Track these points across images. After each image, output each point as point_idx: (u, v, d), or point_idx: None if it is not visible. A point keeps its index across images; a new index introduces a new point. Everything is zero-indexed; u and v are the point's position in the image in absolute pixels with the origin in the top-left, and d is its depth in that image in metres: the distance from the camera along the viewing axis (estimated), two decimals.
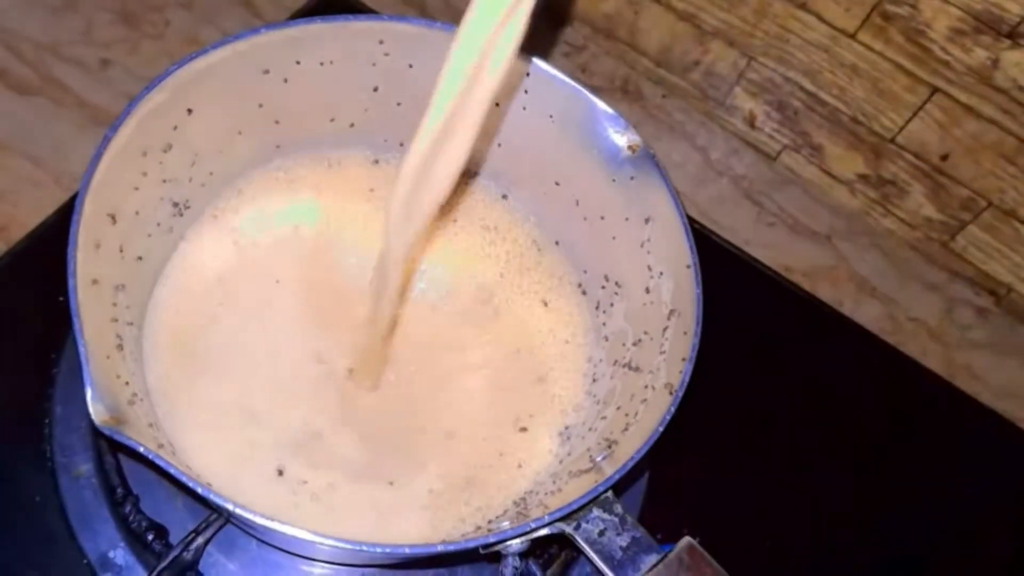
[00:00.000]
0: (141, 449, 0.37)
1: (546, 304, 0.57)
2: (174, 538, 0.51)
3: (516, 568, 0.43)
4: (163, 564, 0.48)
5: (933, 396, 0.70)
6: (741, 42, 0.73)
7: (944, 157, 0.70)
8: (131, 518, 0.51)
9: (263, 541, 0.52)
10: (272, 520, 0.37)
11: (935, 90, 0.66)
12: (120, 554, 0.50)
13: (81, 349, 0.38)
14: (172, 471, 0.37)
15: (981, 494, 0.66)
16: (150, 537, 0.50)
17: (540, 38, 0.78)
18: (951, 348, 0.74)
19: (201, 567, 0.50)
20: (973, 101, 0.65)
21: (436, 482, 0.50)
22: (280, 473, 0.49)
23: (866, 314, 0.73)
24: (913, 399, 0.69)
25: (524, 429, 0.53)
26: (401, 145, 0.57)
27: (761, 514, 0.62)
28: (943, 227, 0.74)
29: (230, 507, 0.37)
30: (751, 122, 0.78)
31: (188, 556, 0.48)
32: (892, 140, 0.71)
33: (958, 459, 0.67)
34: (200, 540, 0.49)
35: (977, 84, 0.64)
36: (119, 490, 0.51)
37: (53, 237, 0.58)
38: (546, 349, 0.56)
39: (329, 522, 0.48)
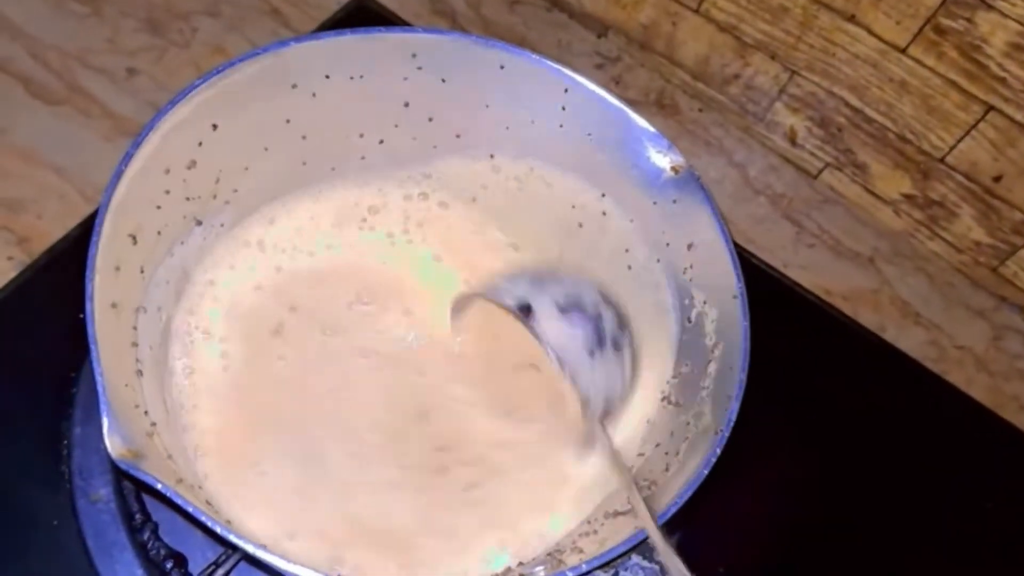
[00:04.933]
0: (159, 486, 0.35)
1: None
2: (194, 567, 0.49)
3: None
4: None
5: (979, 428, 0.67)
6: (784, 55, 0.71)
7: (997, 178, 0.67)
8: (150, 545, 0.49)
9: None
10: (291, 563, 0.35)
11: (989, 108, 0.63)
12: None
13: (98, 378, 0.37)
14: (190, 508, 0.36)
15: None
16: (169, 566, 0.49)
17: (572, 48, 0.77)
18: (998, 378, 0.71)
19: None
20: None
21: (471, 519, 0.48)
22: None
23: (909, 341, 0.71)
24: (958, 430, 0.67)
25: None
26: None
27: (800, 549, 0.60)
28: (993, 251, 0.72)
29: (250, 548, 0.36)
30: (792, 138, 0.76)
31: None
32: (942, 160, 0.69)
33: (1004, 493, 0.65)
34: (220, 572, 0.47)
35: None
36: (138, 516, 0.50)
37: (76, 251, 0.56)
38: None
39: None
